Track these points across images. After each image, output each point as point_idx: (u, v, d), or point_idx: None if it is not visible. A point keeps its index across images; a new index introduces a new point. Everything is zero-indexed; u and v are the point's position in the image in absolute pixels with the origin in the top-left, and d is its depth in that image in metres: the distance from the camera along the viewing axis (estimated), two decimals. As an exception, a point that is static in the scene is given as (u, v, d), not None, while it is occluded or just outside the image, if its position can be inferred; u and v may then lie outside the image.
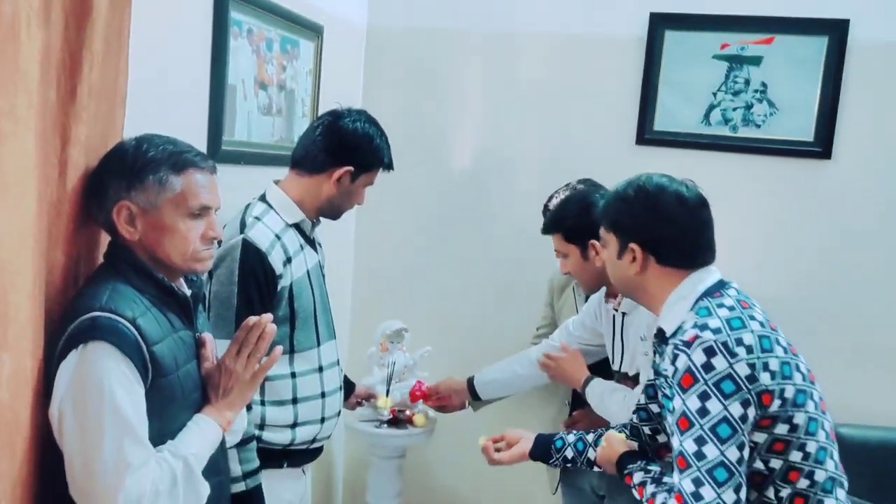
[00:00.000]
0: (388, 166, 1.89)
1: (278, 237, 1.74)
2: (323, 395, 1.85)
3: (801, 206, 2.53)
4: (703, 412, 1.33)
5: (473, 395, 2.28)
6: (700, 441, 1.33)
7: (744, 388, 1.32)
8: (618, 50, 2.62)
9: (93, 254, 1.36)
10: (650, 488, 1.46)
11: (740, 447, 1.32)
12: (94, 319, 1.17)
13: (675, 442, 1.39)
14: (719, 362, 1.33)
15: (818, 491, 1.40)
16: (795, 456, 1.38)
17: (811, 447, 1.39)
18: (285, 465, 1.83)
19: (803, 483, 1.39)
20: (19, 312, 1.10)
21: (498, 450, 1.85)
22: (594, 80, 2.65)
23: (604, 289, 2.05)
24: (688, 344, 1.36)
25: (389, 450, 2.50)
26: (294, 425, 1.80)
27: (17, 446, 1.13)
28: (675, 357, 1.38)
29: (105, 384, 1.15)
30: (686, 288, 1.47)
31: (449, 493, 2.89)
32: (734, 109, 2.54)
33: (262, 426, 1.75)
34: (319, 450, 1.93)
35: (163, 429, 1.25)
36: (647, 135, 2.60)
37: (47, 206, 1.21)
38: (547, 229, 2.12)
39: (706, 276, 1.49)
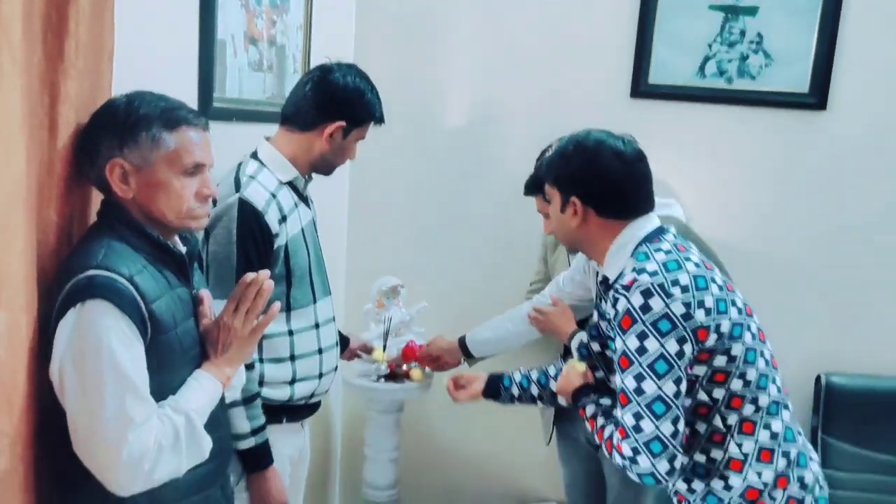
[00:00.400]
0: (380, 120, 1.88)
1: (273, 195, 1.74)
2: (320, 350, 1.87)
3: (797, 157, 2.53)
4: (642, 350, 1.42)
5: (466, 354, 2.30)
6: (639, 378, 1.43)
7: (679, 325, 1.41)
8: (612, 1, 2.58)
9: (86, 212, 1.36)
10: (600, 420, 1.56)
11: (677, 382, 1.42)
12: (91, 278, 1.17)
13: (617, 379, 1.48)
14: (656, 303, 1.41)
15: (764, 415, 1.51)
16: (736, 384, 1.48)
17: (751, 375, 1.49)
18: (284, 421, 1.85)
19: (748, 409, 1.49)
20: (12, 271, 1.10)
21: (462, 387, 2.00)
22: (588, 33, 2.62)
23: None
24: (627, 287, 1.45)
25: (387, 404, 2.53)
26: (292, 381, 1.82)
27: (16, 404, 1.14)
28: (616, 300, 1.47)
29: (104, 341, 1.16)
30: (626, 236, 1.54)
31: (446, 446, 2.93)
32: (729, 61, 2.52)
33: (260, 383, 1.77)
34: (317, 405, 1.96)
35: (163, 385, 1.26)
36: (641, 88, 2.58)
37: (37, 164, 1.20)
38: (528, 191, 2.18)
39: (645, 224, 1.55)
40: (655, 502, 2.26)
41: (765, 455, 1.50)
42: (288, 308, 1.79)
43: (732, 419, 1.49)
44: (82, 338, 1.16)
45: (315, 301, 1.85)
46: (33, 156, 1.18)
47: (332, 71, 1.80)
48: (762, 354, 1.52)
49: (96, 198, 1.36)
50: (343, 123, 1.80)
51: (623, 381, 1.46)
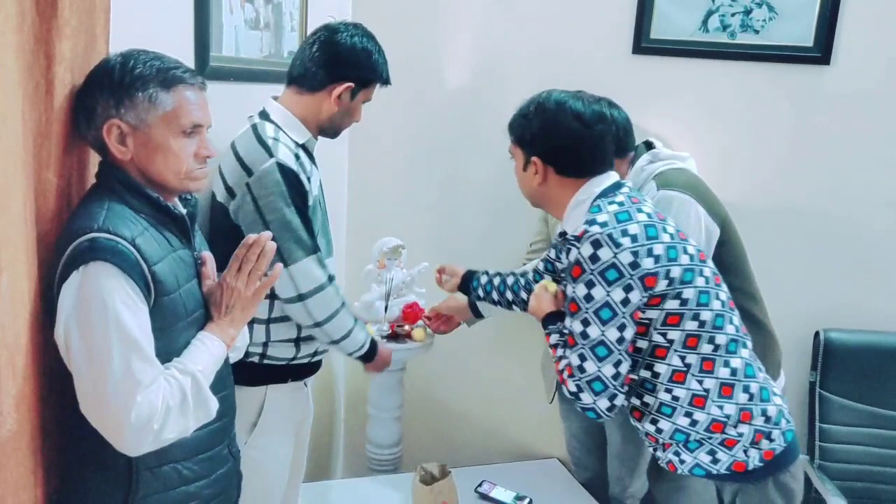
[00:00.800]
0: (387, 81, 1.87)
1: (297, 156, 1.75)
2: None
3: (800, 112, 2.50)
4: (589, 298, 1.52)
5: (476, 314, 2.31)
6: (585, 322, 1.53)
7: (626, 274, 1.49)
8: (614, -46, 2.53)
9: (84, 174, 1.35)
10: (559, 351, 1.65)
11: (620, 328, 1.52)
12: (93, 240, 1.17)
13: (567, 322, 1.59)
14: (604, 253, 1.49)
15: (723, 353, 1.57)
16: (691, 325, 1.55)
17: (705, 316, 1.55)
18: (289, 380, 1.87)
19: (706, 348, 1.56)
20: (11, 235, 1.10)
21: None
22: (590, -13, 2.58)
23: None
24: (578, 238, 1.54)
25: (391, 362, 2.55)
26: (297, 340, 1.83)
27: (19, 365, 1.14)
28: (568, 251, 1.57)
29: (109, 303, 1.16)
30: (584, 193, 1.62)
31: (448, 405, 2.96)
32: (733, 15, 2.48)
33: (266, 343, 1.79)
34: (319, 364, 1.98)
35: (168, 347, 1.26)
36: (644, 43, 2.54)
37: (34, 125, 1.18)
38: None
39: (603, 180, 1.62)
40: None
41: (725, 390, 1.57)
42: None
43: (692, 358, 1.56)
44: (86, 300, 1.16)
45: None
46: (30, 117, 1.16)
47: (338, 31, 1.79)
48: (717, 297, 1.58)
49: (94, 159, 1.34)
50: (351, 84, 1.79)
51: (572, 324, 1.56)
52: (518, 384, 2.82)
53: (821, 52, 2.44)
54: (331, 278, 1.77)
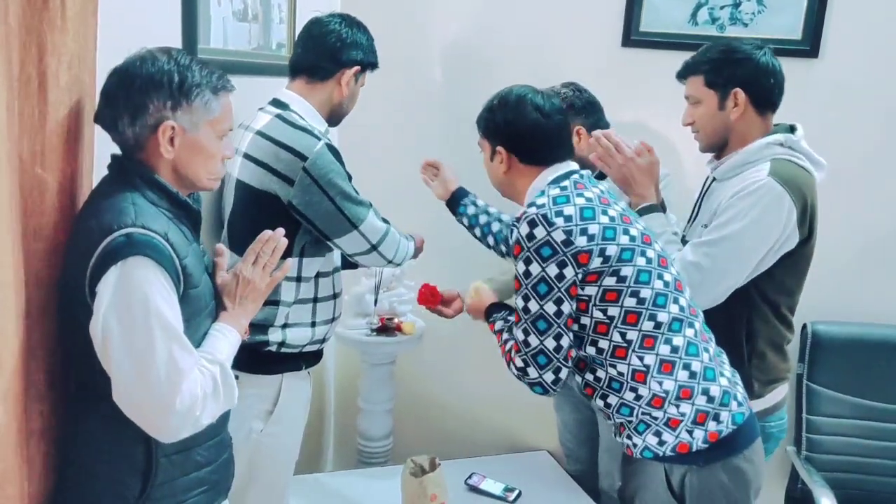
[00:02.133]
0: (376, 65, 1.97)
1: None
2: (335, 295, 1.95)
3: (788, 104, 2.49)
4: (527, 274, 1.60)
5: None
6: (525, 298, 1.61)
7: (559, 251, 1.57)
8: (604, -54, 2.53)
9: (77, 169, 1.34)
10: (504, 335, 1.74)
11: (557, 302, 1.59)
12: (130, 236, 1.20)
13: (513, 299, 1.67)
14: (539, 232, 1.58)
15: (665, 331, 1.62)
16: (629, 302, 1.60)
17: (645, 294, 1.60)
18: (303, 367, 1.93)
19: (647, 325, 1.61)
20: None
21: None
22: (579, -20, 2.57)
23: None
24: (518, 219, 1.62)
25: (380, 356, 2.55)
26: (313, 324, 1.89)
27: (5, 359, 1.13)
28: (512, 231, 1.64)
29: (149, 296, 1.20)
30: (540, 181, 1.71)
31: (438, 398, 2.97)
32: (722, 8, 2.48)
33: (285, 325, 1.84)
34: (321, 352, 2.01)
35: (191, 337, 1.30)
36: (633, 36, 2.55)
37: (27, 119, 1.18)
38: None
39: (559, 168, 1.71)
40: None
41: (665, 367, 1.61)
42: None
43: (632, 335, 1.61)
44: (127, 293, 1.19)
45: None
46: (21, 110, 1.15)
47: (331, 20, 1.88)
48: (660, 277, 1.63)
49: (86, 153, 1.35)
50: (358, 67, 1.89)
51: (517, 301, 1.64)
52: (508, 377, 2.81)
53: (809, 45, 2.45)
54: (385, 221, 1.94)
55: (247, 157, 1.81)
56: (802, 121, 2.49)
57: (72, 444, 1.30)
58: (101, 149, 1.40)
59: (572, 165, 1.74)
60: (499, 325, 1.80)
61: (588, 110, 2.31)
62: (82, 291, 1.21)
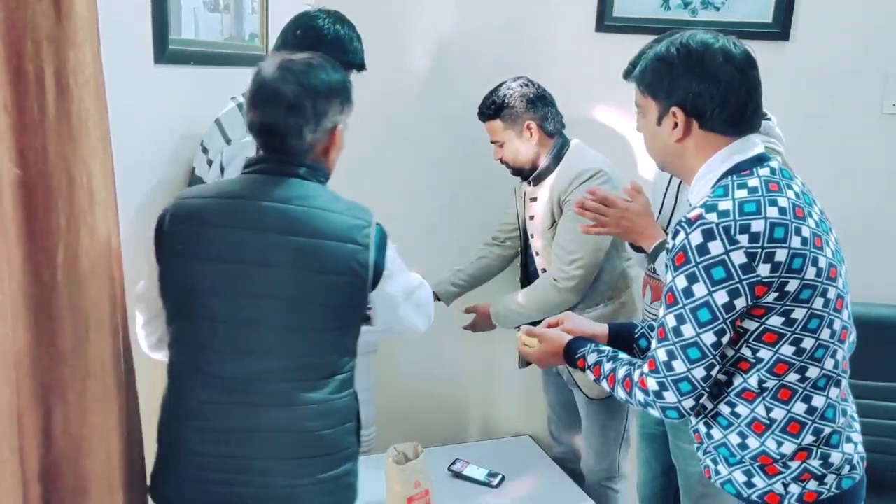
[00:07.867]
0: (363, 67, 1.95)
1: None
2: None
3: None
4: (688, 293, 1.31)
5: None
6: (680, 319, 1.33)
7: (735, 277, 1.27)
8: (576, -68, 2.53)
9: (85, 171, 1.27)
10: (608, 365, 1.48)
11: (718, 333, 1.31)
12: (378, 224, 1.51)
13: (660, 311, 1.38)
14: (715, 247, 1.27)
15: (808, 387, 1.36)
16: (786, 350, 1.34)
17: (807, 343, 1.34)
18: None
19: (792, 377, 1.36)
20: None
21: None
22: (552, -35, 2.58)
23: None
24: (690, 222, 1.31)
25: (361, 345, 2.54)
26: None
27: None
28: (676, 233, 1.34)
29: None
30: (718, 160, 1.39)
31: (420, 386, 2.97)
32: (694, -8, 2.50)
33: None
34: None
35: None
36: (607, 21, 2.56)
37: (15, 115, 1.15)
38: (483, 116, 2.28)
39: (745, 148, 1.39)
40: (616, 434, 2.35)
41: (793, 427, 1.37)
42: None
43: (771, 383, 1.36)
44: (396, 259, 1.58)
45: None
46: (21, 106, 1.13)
47: (318, 17, 1.88)
48: (830, 325, 1.36)
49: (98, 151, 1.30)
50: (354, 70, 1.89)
51: (665, 316, 1.35)
52: (488, 364, 2.84)
53: (780, 28, 2.47)
54: None
55: (202, 141, 1.84)
56: (773, 104, 2.52)
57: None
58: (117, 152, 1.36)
59: (759, 145, 1.41)
60: (592, 357, 1.52)
61: (538, 104, 2.27)
62: (360, 276, 1.48)
